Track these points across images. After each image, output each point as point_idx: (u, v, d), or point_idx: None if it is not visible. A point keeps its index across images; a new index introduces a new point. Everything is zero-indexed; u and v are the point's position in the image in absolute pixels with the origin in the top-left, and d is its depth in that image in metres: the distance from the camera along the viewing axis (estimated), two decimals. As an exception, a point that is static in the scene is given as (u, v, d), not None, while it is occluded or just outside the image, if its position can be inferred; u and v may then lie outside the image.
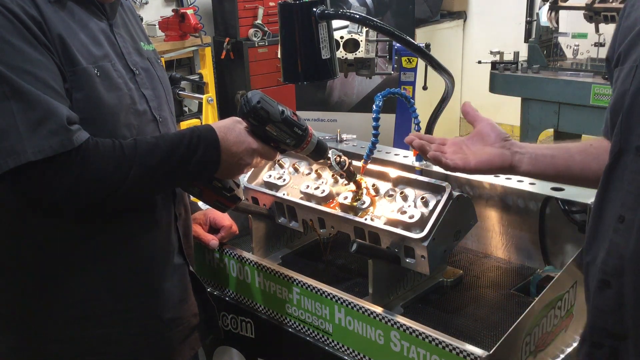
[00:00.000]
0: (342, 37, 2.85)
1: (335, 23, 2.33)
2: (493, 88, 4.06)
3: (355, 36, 2.86)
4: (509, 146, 1.24)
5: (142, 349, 1.33)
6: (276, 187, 1.68)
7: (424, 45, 2.53)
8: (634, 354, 1.03)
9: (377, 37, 2.90)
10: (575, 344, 1.37)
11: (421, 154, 1.26)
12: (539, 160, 1.22)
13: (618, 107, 1.04)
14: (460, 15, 6.14)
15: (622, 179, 1.03)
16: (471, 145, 1.26)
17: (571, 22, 4.15)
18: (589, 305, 1.10)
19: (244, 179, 1.71)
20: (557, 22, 3.89)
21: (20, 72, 1.07)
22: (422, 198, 1.42)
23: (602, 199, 1.08)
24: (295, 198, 1.62)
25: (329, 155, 1.43)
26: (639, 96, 1.00)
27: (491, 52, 4.05)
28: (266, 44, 5.22)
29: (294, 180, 1.68)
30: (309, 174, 1.67)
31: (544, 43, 3.99)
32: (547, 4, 3.80)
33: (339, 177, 1.55)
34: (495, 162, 1.23)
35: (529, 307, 1.24)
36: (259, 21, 5.19)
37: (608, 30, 3.71)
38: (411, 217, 1.40)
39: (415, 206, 1.43)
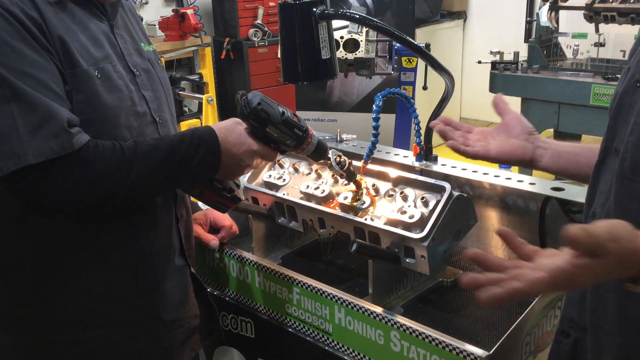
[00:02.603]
0: (342, 37, 2.85)
1: (335, 23, 2.34)
2: (493, 88, 4.06)
3: (355, 36, 2.86)
4: (532, 140, 1.26)
5: (143, 350, 1.33)
6: (276, 187, 1.68)
7: (424, 45, 2.53)
8: (591, 349, 1.06)
9: (377, 37, 2.90)
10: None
11: (442, 138, 1.28)
12: (561, 157, 1.24)
13: (610, 106, 1.08)
14: (460, 15, 6.14)
15: (602, 177, 1.06)
16: (496, 135, 1.29)
17: (571, 22, 4.14)
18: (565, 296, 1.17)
19: (244, 179, 1.71)
20: (557, 22, 3.90)
21: (21, 74, 1.07)
22: (422, 198, 1.42)
23: (589, 197, 1.11)
24: (295, 198, 1.62)
25: (329, 155, 1.44)
26: (625, 97, 1.02)
27: (491, 52, 4.05)
28: (266, 44, 5.22)
29: (294, 180, 1.68)
30: (309, 174, 1.67)
31: (544, 43, 3.99)
32: (547, 4, 3.80)
33: (339, 177, 1.55)
34: (517, 154, 1.24)
35: (529, 307, 1.24)
36: (259, 21, 5.19)
37: (608, 30, 3.71)
38: (411, 217, 1.40)
39: (415, 206, 1.43)
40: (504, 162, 1.26)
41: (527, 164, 1.26)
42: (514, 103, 4.11)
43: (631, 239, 0.81)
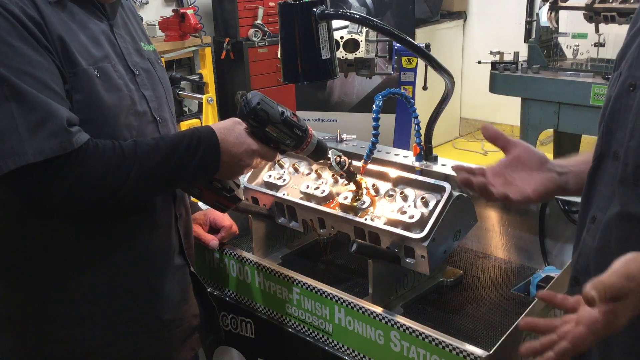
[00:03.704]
0: (342, 37, 2.85)
1: (335, 23, 2.34)
2: (493, 88, 4.05)
3: (355, 36, 2.86)
4: (551, 167, 1.20)
5: (142, 349, 1.33)
6: (276, 187, 1.68)
7: (424, 45, 2.53)
8: (599, 346, 1.05)
9: (377, 37, 2.90)
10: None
11: (466, 187, 1.18)
12: (581, 178, 1.18)
13: (603, 111, 1.07)
14: (460, 15, 6.14)
15: (601, 182, 1.05)
16: (513, 173, 1.20)
17: (571, 22, 4.14)
18: None
19: (244, 179, 1.71)
20: (557, 22, 3.89)
21: (21, 73, 1.07)
22: (422, 198, 1.42)
23: (584, 202, 1.11)
24: (295, 198, 1.62)
25: (329, 155, 1.44)
26: (619, 101, 1.02)
27: (491, 52, 4.04)
28: (266, 44, 5.22)
29: (294, 180, 1.68)
30: (309, 174, 1.67)
31: (544, 43, 3.99)
32: (547, 4, 3.80)
33: (339, 177, 1.55)
34: (551, 188, 1.19)
35: (529, 307, 1.24)
36: (259, 21, 5.19)
37: (608, 30, 3.71)
38: (411, 217, 1.40)
39: (415, 206, 1.43)
40: (543, 200, 1.21)
41: (558, 193, 1.21)
42: (514, 103, 4.12)
43: None
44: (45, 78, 1.09)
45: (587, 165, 1.15)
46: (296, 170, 1.70)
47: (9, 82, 1.06)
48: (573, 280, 1.11)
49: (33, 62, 1.08)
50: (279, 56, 1.61)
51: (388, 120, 2.94)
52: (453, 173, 1.76)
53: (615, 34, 3.75)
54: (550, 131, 4.26)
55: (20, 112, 1.06)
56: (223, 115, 4.90)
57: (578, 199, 1.50)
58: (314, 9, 1.46)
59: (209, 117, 4.13)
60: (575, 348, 0.87)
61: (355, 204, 1.51)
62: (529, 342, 0.91)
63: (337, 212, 1.52)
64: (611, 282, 0.83)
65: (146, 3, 5.19)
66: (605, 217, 1.02)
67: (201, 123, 4.40)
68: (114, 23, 1.30)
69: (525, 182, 1.18)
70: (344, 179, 1.52)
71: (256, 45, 5.20)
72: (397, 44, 2.99)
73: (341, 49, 2.86)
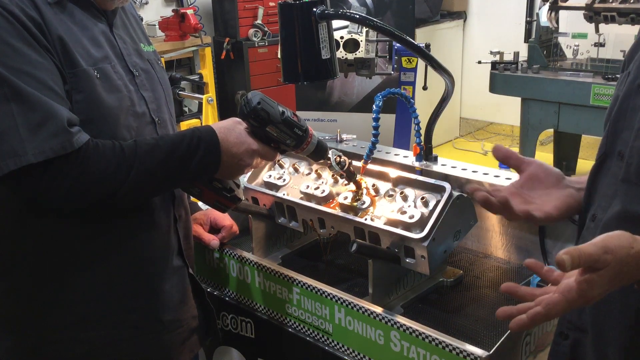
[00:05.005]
0: (342, 37, 2.85)
1: (335, 23, 2.34)
2: (493, 88, 4.06)
3: (355, 36, 2.86)
4: (568, 184, 1.18)
5: (142, 350, 1.33)
6: (276, 187, 1.68)
7: (424, 45, 2.53)
8: (592, 349, 1.06)
9: (377, 37, 2.90)
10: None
11: (485, 206, 1.12)
12: None
13: (609, 110, 1.07)
14: (460, 15, 6.14)
15: (603, 181, 1.05)
16: (530, 191, 1.16)
17: (571, 22, 4.15)
18: None
19: (244, 179, 1.71)
20: (557, 22, 3.90)
21: (21, 73, 1.07)
22: (422, 198, 1.42)
23: (586, 201, 1.10)
24: (295, 198, 1.62)
25: (329, 155, 1.44)
26: (626, 101, 1.02)
27: (491, 52, 4.05)
28: (266, 44, 5.22)
29: (294, 180, 1.68)
30: (309, 174, 1.67)
31: (544, 43, 3.99)
32: (547, 4, 3.80)
33: (339, 177, 1.55)
34: (572, 204, 1.16)
35: (529, 307, 1.24)
36: (259, 21, 5.19)
37: (608, 30, 3.71)
38: (411, 217, 1.40)
39: (415, 206, 1.43)
40: (564, 217, 1.16)
41: (579, 210, 1.16)
42: (514, 103, 4.13)
43: (629, 245, 0.86)
44: (46, 78, 1.09)
45: None
46: (296, 170, 1.70)
47: (9, 82, 1.06)
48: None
49: (33, 63, 1.09)
50: (279, 56, 1.61)
51: (388, 120, 2.95)
52: (453, 173, 1.76)
53: (615, 34, 3.75)
54: (550, 131, 4.26)
55: (21, 113, 1.06)
56: (223, 115, 4.90)
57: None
58: (314, 9, 1.46)
59: (209, 117, 4.13)
60: (547, 312, 0.87)
61: (355, 204, 1.51)
62: (506, 307, 0.91)
63: (337, 212, 1.52)
64: (587, 250, 0.84)
65: (146, 3, 5.19)
66: (606, 216, 1.02)
67: (201, 123, 4.40)
68: (114, 24, 1.30)
69: (544, 199, 1.15)
70: (344, 179, 1.52)
71: (256, 45, 5.20)
72: (397, 44, 2.99)
73: (341, 49, 2.86)
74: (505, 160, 1.19)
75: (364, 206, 1.50)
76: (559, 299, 0.87)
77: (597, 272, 0.85)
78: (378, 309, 1.31)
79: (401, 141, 3.19)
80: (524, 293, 0.94)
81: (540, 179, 1.17)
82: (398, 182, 1.52)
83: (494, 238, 1.75)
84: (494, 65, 4.02)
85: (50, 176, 1.08)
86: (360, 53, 2.88)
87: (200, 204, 1.64)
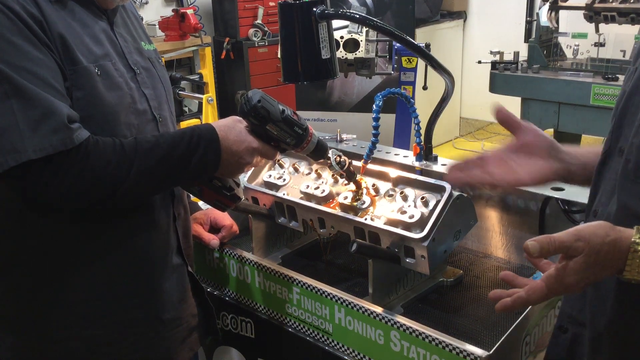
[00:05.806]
0: (342, 37, 2.85)
1: (335, 23, 2.34)
2: (493, 88, 4.06)
3: (355, 36, 2.86)
4: (555, 154, 1.16)
5: (141, 349, 1.32)
6: (276, 187, 1.68)
7: (424, 45, 2.53)
8: (589, 344, 1.07)
9: (377, 37, 2.90)
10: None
11: (459, 186, 1.17)
12: (589, 169, 1.15)
13: (616, 106, 1.07)
14: (460, 15, 6.14)
15: (606, 177, 1.06)
16: (516, 158, 1.16)
17: (571, 22, 4.15)
18: None
19: (244, 178, 1.71)
20: (557, 22, 3.90)
21: (21, 70, 1.07)
22: (422, 198, 1.42)
23: (591, 196, 1.11)
24: (295, 198, 1.62)
25: (329, 155, 1.43)
26: (632, 98, 1.02)
27: (491, 52, 4.05)
28: (266, 44, 5.22)
29: (294, 180, 1.68)
30: (309, 173, 1.67)
31: (544, 43, 3.99)
32: (547, 4, 3.80)
33: (339, 177, 1.55)
34: (548, 175, 1.15)
35: (529, 307, 1.24)
36: (259, 21, 5.19)
37: (608, 30, 3.71)
38: (411, 217, 1.40)
39: (415, 206, 1.43)
40: (536, 185, 1.16)
41: (562, 181, 1.18)
42: (514, 103, 4.12)
43: (604, 234, 0.89)
44: (46, 75, 1.09)
45: (597, 156, 1.12)
46: (296, 170, 1.70)
47: (9, 79, 1.06)
48: None
49: (34, 59, 1.08)
50: (279, 56, 1.61)
51: (388, 120, 2.94)
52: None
53: (616, 33, 3.75)
54: (550, 131, 4.26)
55: (21, 109, 1.06)
56: (223, 115, 4.86)
57: (578, 199, 1.51)
58: (314, 9, 1.46)
59: (209, 117, 4.13)
60: (528, 297, 0.93)
61: (355, 203, 1.51)
62: (498, 290, 0.98)
63: (337, 212, 1.52)
64: (559, 238, 0.88)
65: (146, 3, 5.19)
66: (606, 212, 1.02)
67: (201, 123, 4.39)
68: (114, 22, 1.30)
69: (523, 166, 1.15)
70: (344, 179, 1.52)
71: (256, 45, 5.20)
72: (397, 44, 2.99)
73: (341, 48, 2.86)
74: (504, 122, 1.20)
75: (364, 206, 1.50)
76: (540, 285, 0.92)
77: (573, 260, 0.89)
78: (378, 309, 1.31)
79: (401, 141, 3.19)
80: (519, 282, 0.99)
81: (529, 147, 1.17)
82: (398, 182, 1.52)
83: (494, 238, 1.75)
84: (494, 65, 4.02)
85: (51, 172, 1.08)
86: (360, 53, 2.88)
87: (200, 203, 1.64)
